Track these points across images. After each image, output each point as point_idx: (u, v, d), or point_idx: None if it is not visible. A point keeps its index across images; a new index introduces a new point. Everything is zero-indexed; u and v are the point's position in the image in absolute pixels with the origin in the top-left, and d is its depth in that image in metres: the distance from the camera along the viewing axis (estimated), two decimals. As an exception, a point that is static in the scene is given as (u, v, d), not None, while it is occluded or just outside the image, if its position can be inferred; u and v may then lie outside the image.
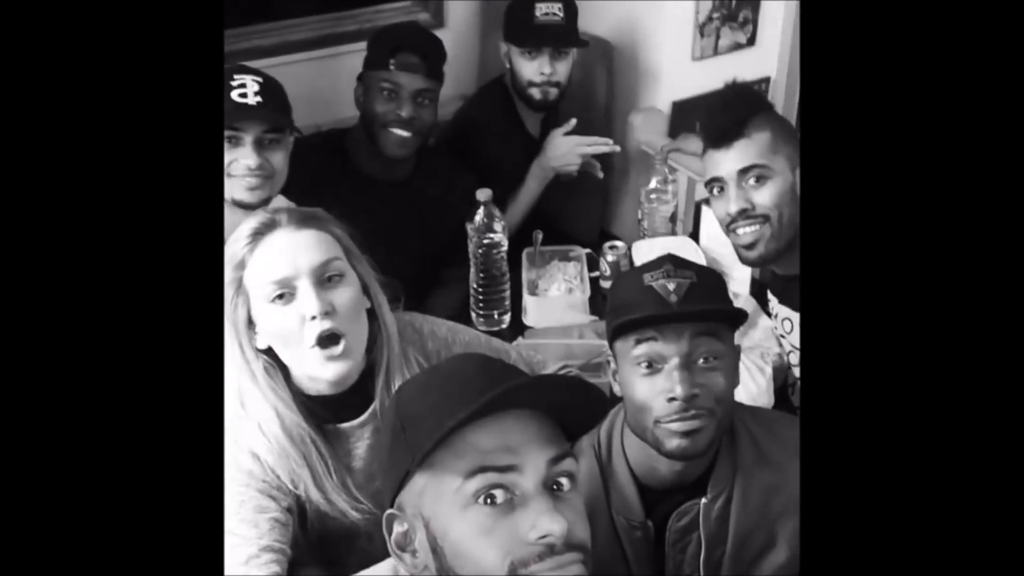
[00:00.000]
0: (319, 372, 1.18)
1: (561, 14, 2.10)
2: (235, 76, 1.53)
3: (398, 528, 0.86)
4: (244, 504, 1.16)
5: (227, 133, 1.51)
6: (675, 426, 1.10)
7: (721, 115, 1.46)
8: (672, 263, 1.16)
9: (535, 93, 2.15)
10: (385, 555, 0.90)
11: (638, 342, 1.12)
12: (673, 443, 1.10)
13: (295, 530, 1.21)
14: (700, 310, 1.13)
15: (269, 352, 1.21)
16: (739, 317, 1.18)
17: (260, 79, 1.54)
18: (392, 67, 1.90)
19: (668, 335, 1.10)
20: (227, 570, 1.12)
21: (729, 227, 1.46)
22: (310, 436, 1.20)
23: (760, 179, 1.41)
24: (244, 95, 1.51)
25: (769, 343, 1.71)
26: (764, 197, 1.41)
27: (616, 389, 1.21)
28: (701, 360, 1.11)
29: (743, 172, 1.42)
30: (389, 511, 0.87)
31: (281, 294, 1.16)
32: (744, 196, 1.42)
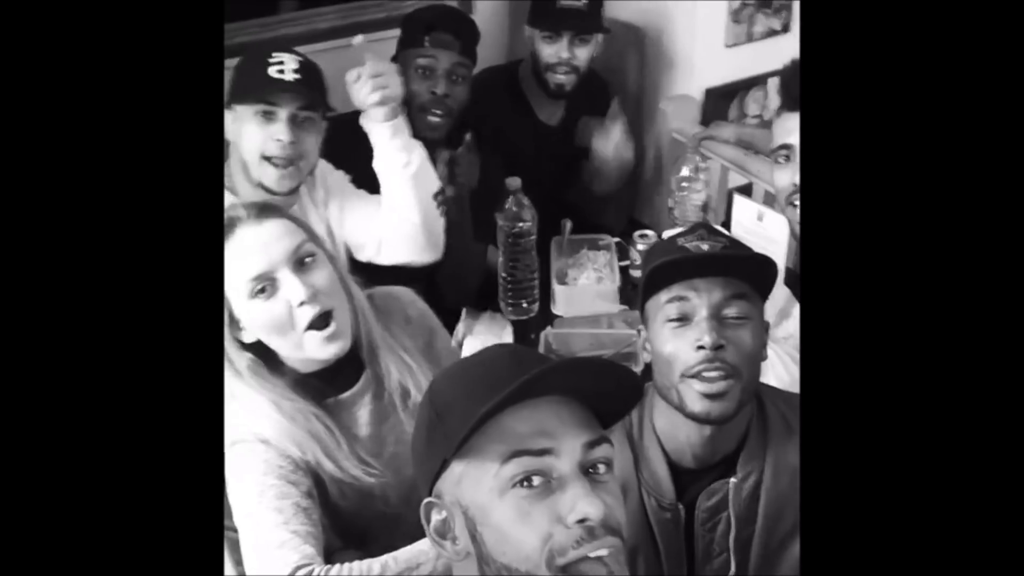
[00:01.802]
0: (318, 353, 1.22)
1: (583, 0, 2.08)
2: (274, 54, 1.53)
3: (436, 516, 0.87)
4: (264, 493, 1.17)
5: (262, 108, 1.52)
6: (701, 383, 1.10)
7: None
8: (706, 229, 1.18)
9: (551, 78, 2.12)
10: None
11: (669, 300, 1.13)
12: (698, 405, 1.11)
13: (320, 514, 1.21)
14: (734, 254, 1.15)
15: (256, 345, 1.23)
16: (770, 275, 1.18)
17: (300, 58, 1.55)
18: (427, 44, 1.90)
19: (700, 290, 1.12)
20: (259, 556, 1.14)
21: (791, 198, 1.43)
22: (312, 413, 1.22)
23: None
24: (282, 71, 1.51)
25: (803, 333, 1.68)
26: None
27: (646, 356, 1.21)
28: (731, 316, 1.12)
29: None
30: (427, 499, 0.87)
31: (263, 288, 1.18)
32: None
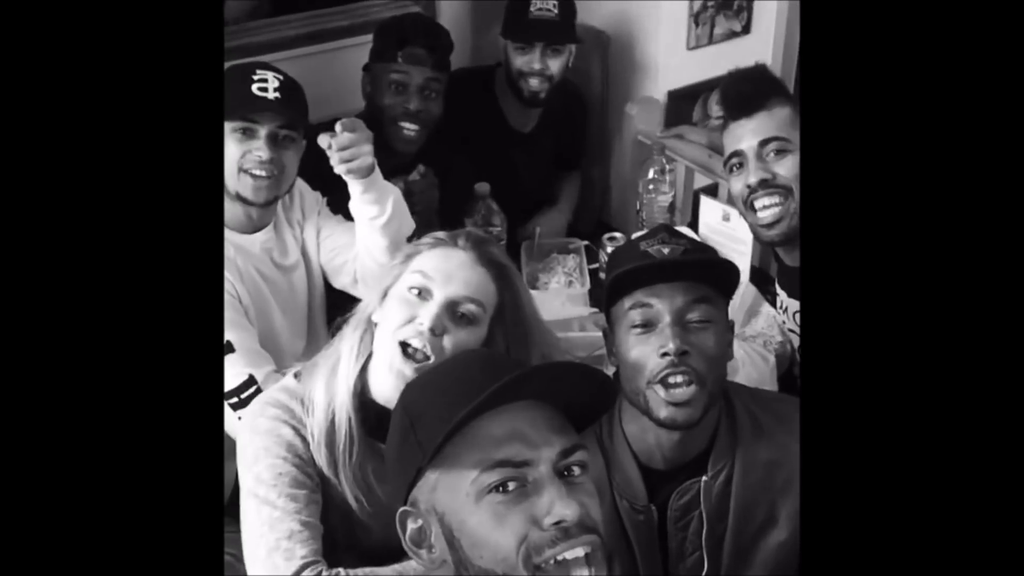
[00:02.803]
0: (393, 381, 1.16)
1: (556, 10, 2.08)
2: (257, 71, 1.53)
3: (412, 525, 0.86)
4: (282, 476, 1.15)
5: (242, 125, 1.51)
6: (666, 391, 1.11)
7: (744, 84, 1.46)
8: (667, 232, 1.19)
9: (524, 86, 2.12)
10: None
11: (632, 307, 1.14)
12: (664, 412, 1.12)
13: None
14: (694, 260, 1.16)
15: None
16: (732, 278, 1.19)
17: (281, 77, 1.54)
18: (400, 59, 1.89)
19: (662, 296, 1.13)
20: (267, 542, 1.12)
21: (748, 201, 1.45)
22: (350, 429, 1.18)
23: (780, 152, 1.41)
24: (264, 89, 1.51)
25: (772, 332, 1.71)
26: (785, 169, 1.41)
27: (612, 364, 1.22)
28: (694, 321, 1.13)
29: (763, 143, 1.41)
30: (403, 508, 0.87)
31: (419, 291, 1.16)
32: (765, 167, 1.41)
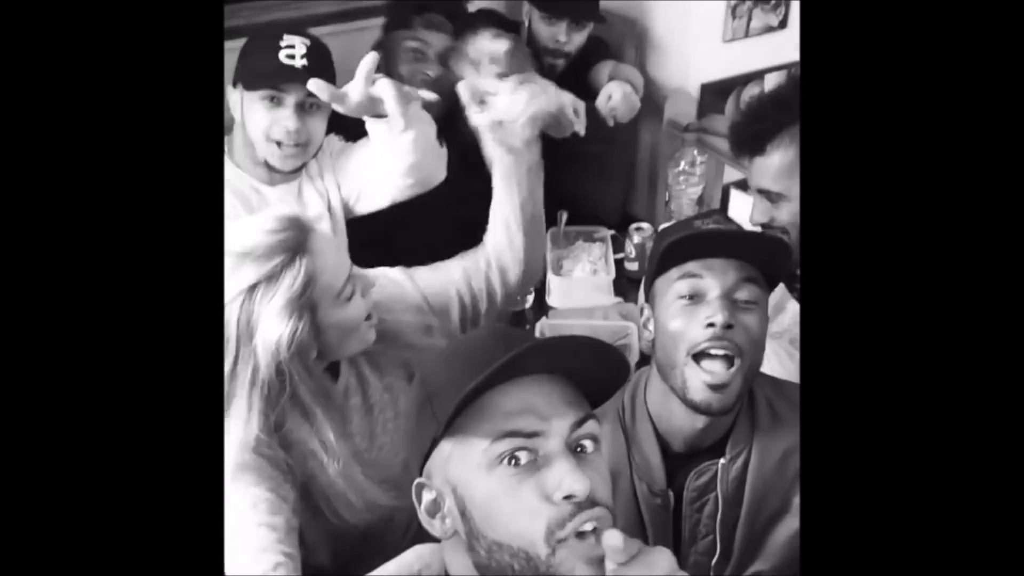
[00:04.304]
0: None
1: None
2: (285, 36, 1.52)
3: (427, 496, 0.87)
4: (258, 505, 1.11)
5: (270, 93, 1.51)
6: (708, 368, 1.10)
7: (750, 127, 1.47)
8: (722, 215, 1.19)
9: (545, 61, 2.11)
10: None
11: (681, 277, 1.13)
12: (700, 395, 1.10)
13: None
14: (752, 234, 1.16)
15: None
16: (783, 262, 1.18)
17: (308, 42, 1.53)
18: (418, 26, 1.82)
19: (714, 269, 1.12)
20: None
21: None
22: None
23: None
24: (291, 56, 1.50)
25: (797, 329, 1.69)
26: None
27: (647, 337, 1.21)
28: (742, 300, 1.12)
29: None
30: (418, 480, 0.88)
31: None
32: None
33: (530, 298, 1.95)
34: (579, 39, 2.11)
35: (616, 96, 1.97)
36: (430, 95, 1.50)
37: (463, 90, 1.31)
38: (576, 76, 2.16)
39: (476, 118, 1.31)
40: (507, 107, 1.31)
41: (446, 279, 1.38)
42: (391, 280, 1.36)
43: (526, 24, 2.14)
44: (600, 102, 1.97)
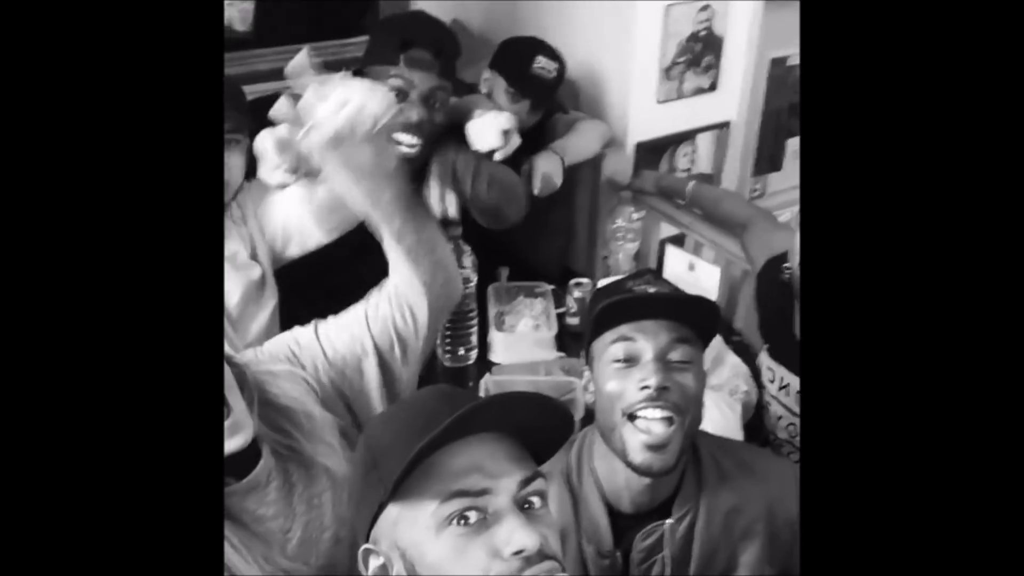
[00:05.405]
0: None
1: (554, 73, 2.09)
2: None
3: (374, 562, 0.86)
4: None
5: None
6: (645, 431, 1.10)
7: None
8: (652, 275, 1.22)
9: None
10: None
11: (615, 341, 1.15)
12: (640, 456, 1.11)
13: None
14: (682, 296, 1.18)
15: None
16: (714, 321, 1.20)
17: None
18: (402, 63, 1.66)
19: (647, 332, 1.13)
20: None
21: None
22: None
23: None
24: None
25: (737, 381, 1.73)
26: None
27: (588, 399, 1.22)
28: (675, 360, 1.14)
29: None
30: (365, 546, 0.87)
31: None
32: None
33: (473, 354, 1.96)
34: (534, 119, 2.12)
35: (538, 173, 1.97)
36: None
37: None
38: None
39: (304, 143, 1.14)
40: (328, 113, 1.12)
41: (351, 335, 1.26)
42: (295, 376, 1.21)
43: (485, 92, 2.12)
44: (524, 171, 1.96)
